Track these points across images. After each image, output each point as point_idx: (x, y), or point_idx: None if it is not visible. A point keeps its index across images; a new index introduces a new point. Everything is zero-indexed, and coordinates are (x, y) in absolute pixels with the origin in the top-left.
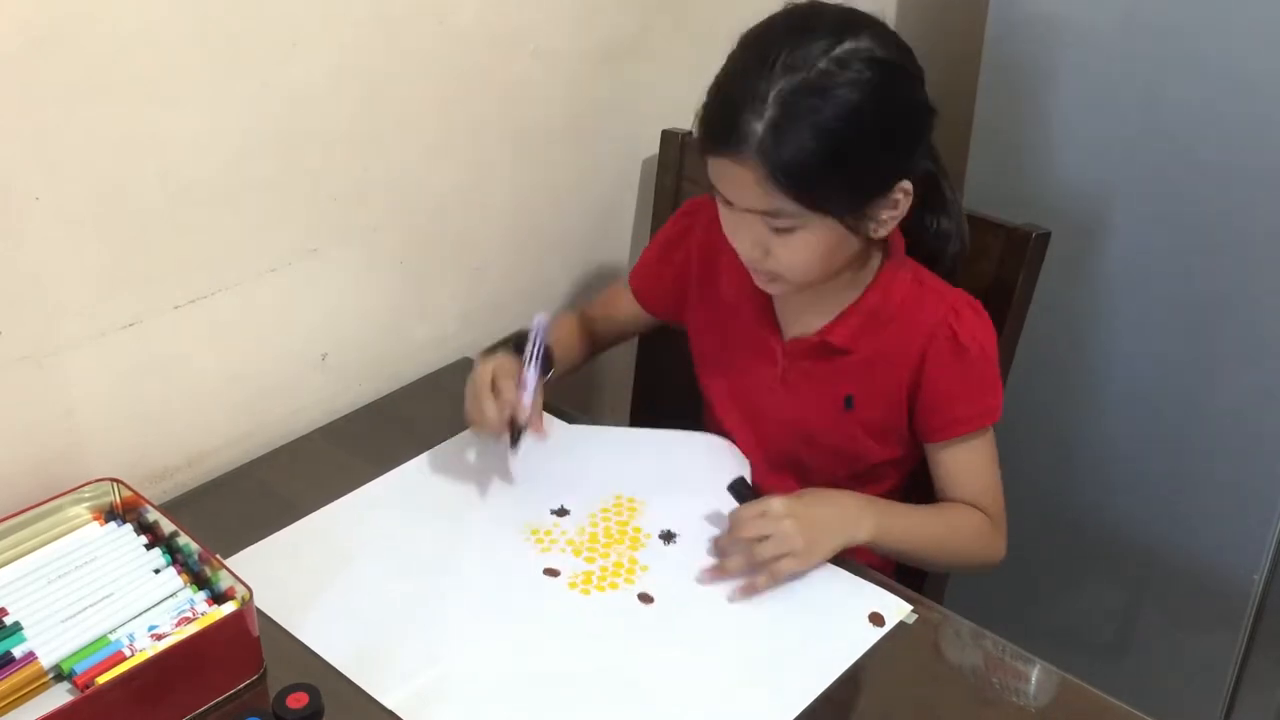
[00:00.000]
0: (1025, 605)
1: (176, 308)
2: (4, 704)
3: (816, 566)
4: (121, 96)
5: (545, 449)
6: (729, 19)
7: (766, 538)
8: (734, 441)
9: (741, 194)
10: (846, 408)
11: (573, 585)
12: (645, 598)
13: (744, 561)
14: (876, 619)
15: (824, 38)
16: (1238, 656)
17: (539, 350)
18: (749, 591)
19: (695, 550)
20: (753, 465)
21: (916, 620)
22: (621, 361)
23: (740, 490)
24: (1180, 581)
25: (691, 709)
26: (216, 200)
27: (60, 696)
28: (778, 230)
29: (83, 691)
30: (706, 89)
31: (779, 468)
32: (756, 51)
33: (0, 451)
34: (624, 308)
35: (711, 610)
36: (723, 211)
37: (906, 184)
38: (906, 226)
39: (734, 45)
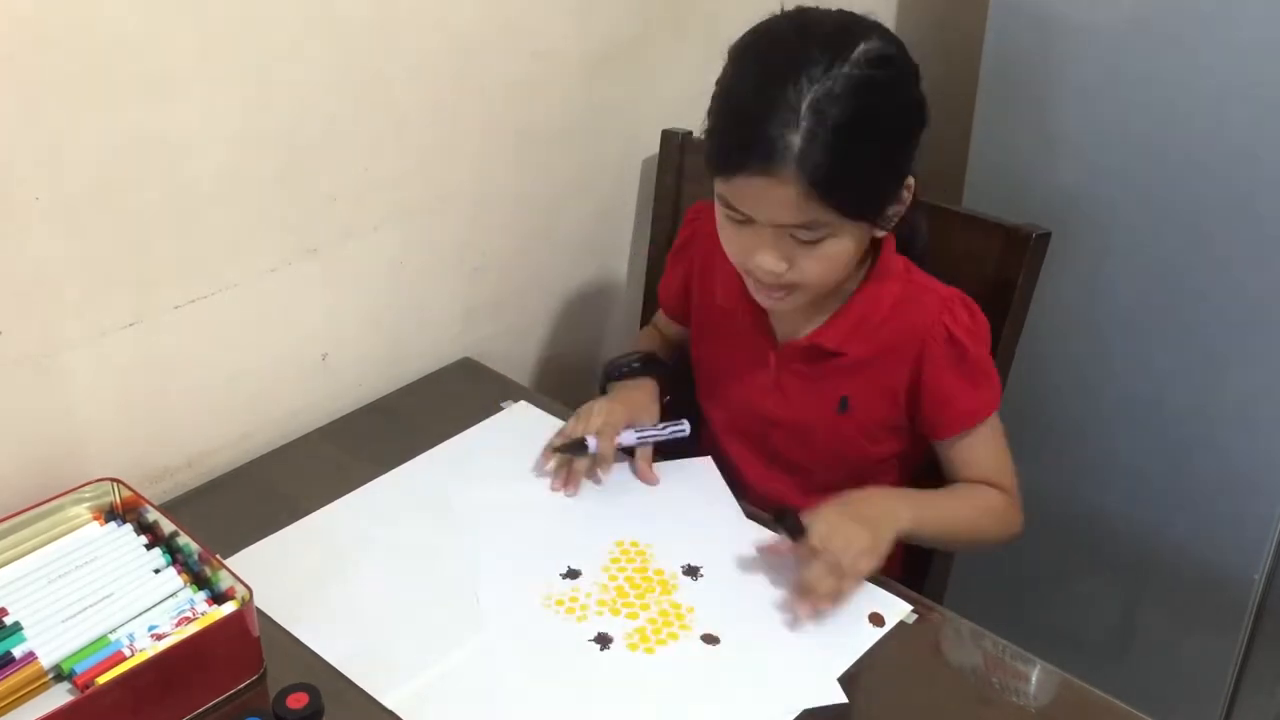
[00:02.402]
0: (1025, 605)
1: (176, 308)
2: (4, 704)
3: (881, 562)
4: (121, 96)
5: (534, 505)
6: (729, 19)
7: (848, 545)
8: (730, 450)
9: (776, 211)
10: (841, 410)
11: (633, 647)
12: (710, 639)
13: (833, 583)
14: (876, 619)
15: (837, 42)
16: (1238, 656)
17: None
18: (823, 605)
19: (726, 576)
20: (751, 469)
21: (916, 620)
22: None
23: (790, 524)
24: (1180, 581)
25: (692, 708)
26: (216, 200)
27: (60, 696)
28: (805, 242)
29: (83, 691)
30: (710, 109)
31: (777, 471)
32: (770, 62)
33: (0, 451)
34: (663, 319)
35: (712, 609)
36: (737, 230)
37: (910, 179)
38: None
39: (726, 60)
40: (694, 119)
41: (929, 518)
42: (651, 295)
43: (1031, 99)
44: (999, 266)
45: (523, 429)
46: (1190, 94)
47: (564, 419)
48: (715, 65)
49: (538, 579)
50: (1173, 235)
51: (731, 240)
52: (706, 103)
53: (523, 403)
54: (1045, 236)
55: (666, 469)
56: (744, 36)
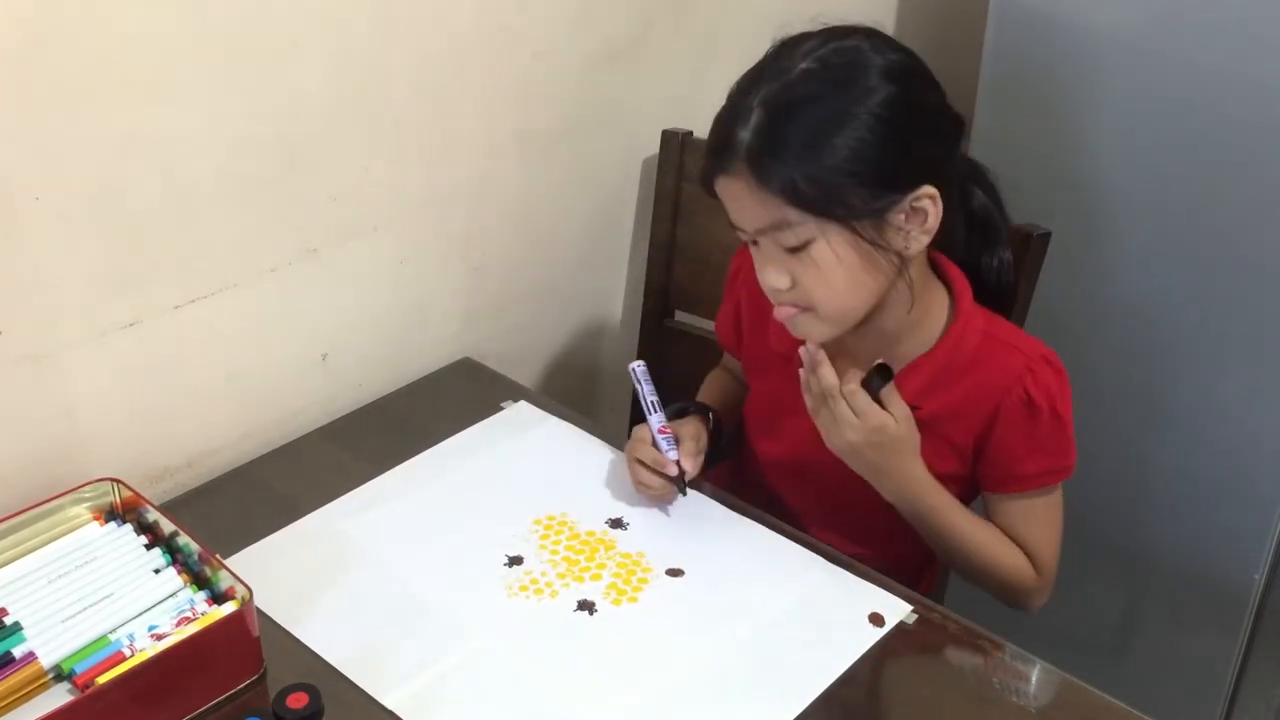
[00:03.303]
0: None
1: (176, 308)
2: (4, 704)
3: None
4: (121, 96)
5: (441, 506)
6: (729, 19)
7: (835, 420)
8: (778, 486)
9: (742, 211)
10: None
11: (616, 602)
12: (675, 572)
13: (814, 401)
14: (876, 619)
15: (808, 43)
16: (1238, 656)
17: (649, 398)
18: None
19: (649, 517)
20: (801, 506)
21: (916, 620)
22: (621, 360)
23: (883, 375)
24: (1180, 581)
25: (692, 709)
26: (216, 200)
27: (60, 696)
28: (794, 250)
29: (83, 691)
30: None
31: (827, 509)
32: (747, 74)
33: (0, 451)
34: (729, 357)
35: (712, 609)
36: (751, 253)
37: (930, 189)
38: (965, 266)
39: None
40: (694, 119)
41: (938, 503)
42: (652, 295)
43: (1031, 99)
44: None
45: (523, 429)
46: (1190, 93)
47: (564, 419)
48: (715, 65)
49: (489, 574)
50: (1173, 235)
51: (755, 265)
52: (707, 103)
53: (523, 403)
54: (1045, 236)
55: (524, 439)
56: None
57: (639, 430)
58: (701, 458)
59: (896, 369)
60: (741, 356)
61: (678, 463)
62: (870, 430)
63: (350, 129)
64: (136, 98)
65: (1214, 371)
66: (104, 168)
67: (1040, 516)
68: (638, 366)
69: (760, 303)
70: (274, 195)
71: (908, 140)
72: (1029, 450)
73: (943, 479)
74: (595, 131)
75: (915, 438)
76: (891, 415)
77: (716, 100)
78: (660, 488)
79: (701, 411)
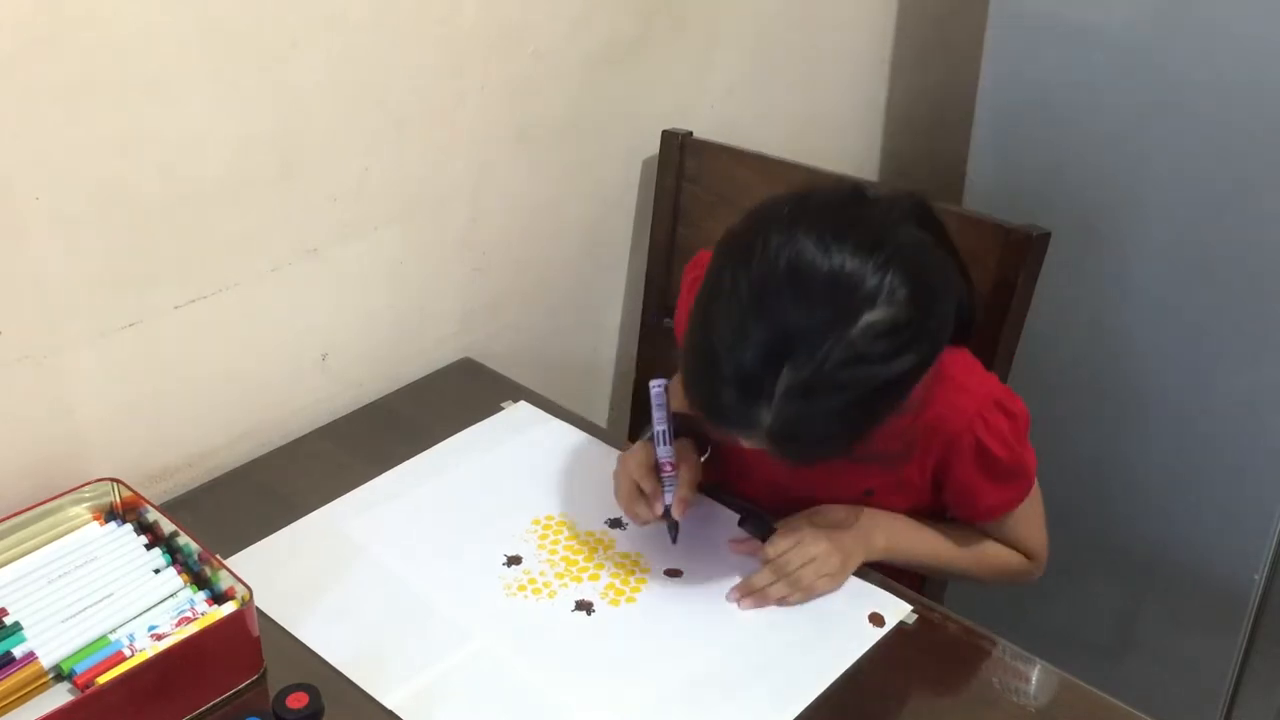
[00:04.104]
0: (1025, 605)
1: (176, 308)
2: (4, 704)
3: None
4: (121, 96)
5: (440, 504)
6: (729, 20)
7: (808, 563)
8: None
9: (753, 451)
10: (866, 495)
11: (614, 603)
12: (673, 572)
13: (784, 588)
14: (876, 619)
15: (839, 305)
16: (1238, 656)
17: (665, 424)
18: (764, 603)
19: (649, 528)
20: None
21: (916, 620)
22: (621, 360)
23: (759, 523)
24: (1180, 581)
25: (691, 709)
26: (216, 200)
27: (60, 696)
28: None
29: (83, 691)
30: (691, 316)
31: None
32: (755, 316)
33: (0, 451)
34: None
35: (712, 610)
36: None
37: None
38: None
39: (714, 253)
40: (694, 119)
41: (911, 550)
42: (652, 295)
43: (1031, 99)
44: (999, 266)
45: (523, 429)
46: (1189, 93)
47: (564, 419)
48: (715, 66)
49: (488, 574)
50: (1172, 235)
51: None
52: (706, 103)
53: (523, 403)
54: (1045, 236)
55: (524, 439)
56: (734, 239)
57: (643, 452)
58: (690, 503)
59: None
60: None
61: (669, 510)
62: (823, 553)
63: (350, 129)
64: (136, 97)
65: (1214, 371)
66: (104, 168)
67: (1021, 521)
68: (658, 386)
69: None
70: (274, 195)
71: (928, 366)
72: (992, 487)
73: (906, 510)
74: (595, 131)
75: (838, 513)
76: (801, 533)
77: (716, 100)
78: (650, 522)
79: (692, 435)
